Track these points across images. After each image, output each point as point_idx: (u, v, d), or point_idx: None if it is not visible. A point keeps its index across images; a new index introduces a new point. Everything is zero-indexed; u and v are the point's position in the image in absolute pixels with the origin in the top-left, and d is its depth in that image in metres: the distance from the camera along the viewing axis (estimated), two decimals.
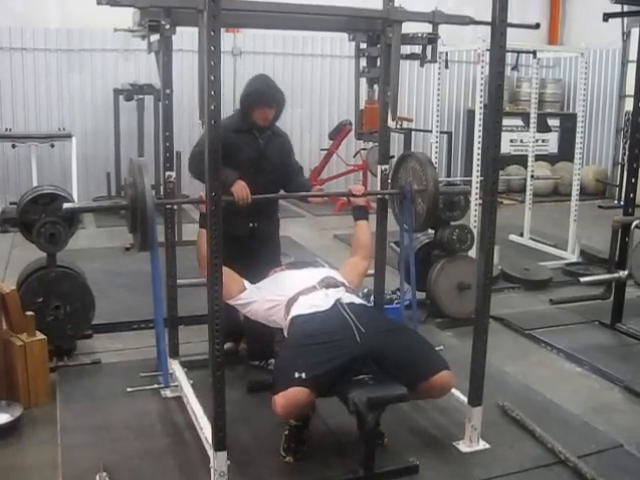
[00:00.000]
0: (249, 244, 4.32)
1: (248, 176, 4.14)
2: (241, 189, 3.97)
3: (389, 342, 3.36)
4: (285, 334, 3.62)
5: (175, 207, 4.06)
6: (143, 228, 3.59)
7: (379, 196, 4.33)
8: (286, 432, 3.40)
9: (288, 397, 3.08)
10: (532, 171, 7.93)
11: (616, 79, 11.63)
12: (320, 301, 3.58)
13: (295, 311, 3.59)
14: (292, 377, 3.10)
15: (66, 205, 3.88)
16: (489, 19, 3.20)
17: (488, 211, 3.35)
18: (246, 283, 3.82)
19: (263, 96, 4.21)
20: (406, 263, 4.45)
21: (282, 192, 4.48)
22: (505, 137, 10.98)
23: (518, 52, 9.80)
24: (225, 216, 4.05)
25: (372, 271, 4.47)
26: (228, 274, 3.68)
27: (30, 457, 3.46)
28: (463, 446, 3.55)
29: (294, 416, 3.28)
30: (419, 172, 4.12)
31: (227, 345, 4.26)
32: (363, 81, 4.42)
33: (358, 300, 3.72)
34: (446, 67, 7.54)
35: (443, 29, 4.03)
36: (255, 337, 4.37)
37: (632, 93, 5.22)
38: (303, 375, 3.09)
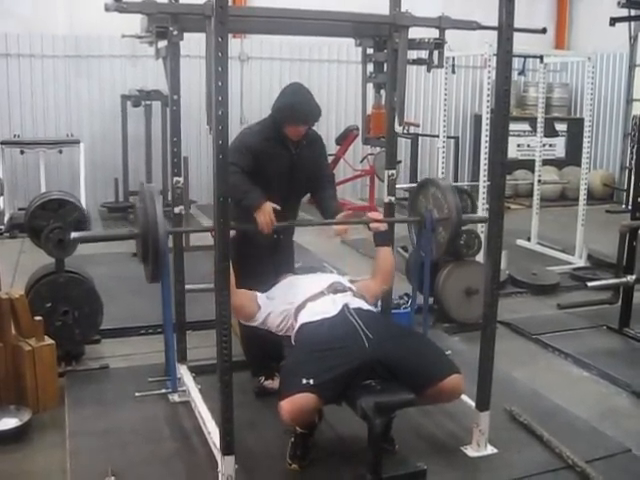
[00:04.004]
0: (272, 253, 4.24)
1: (280, 187, 4.09)
2: (265, 215, 3.85)
3: (398, 348, 3.34)
4: (292, 341, 3.61)
5: (183, 212, 4.06)
6: (155, 258, 3.50)
7: (386, 201, 4.33)
8: (292, 439, 3.39)
9: (295, 403, 3.06)
10: (539, 176, 7.92)
11: (623, 83, 11.58)
12: (328, 307, 3.57)
13: (303, 318, 3.58)
14: (299, 383, 3.08)
15: (74, 234, 3.82)
16: (496, 24, 3.20)
17: (495, 216, 3.36)
18: (258, 299, 3.77)
19: (300, 114, 3.99)
20: (415, 270, 4.42)
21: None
22: (512, 142, 10.95)
23: (525, 57, 9.78)
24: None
25: None
26: (243, 296, 3.68)
27: (39, 461, 3.47)
28: (471, 451, 3.55)
29: (300, 422, 3.26)
30: (440, 200, 3.97)
31: (266, 382, 4.18)
32: (370, 86, 4.42)
33: (366, 306, 3.69)
34: (453, 72, 7.56)
35: (450, 34, 4.04)
36: (256, 352, 4.27)
37: (639, 97, 5.21)
38: (311, 381, 3.07)
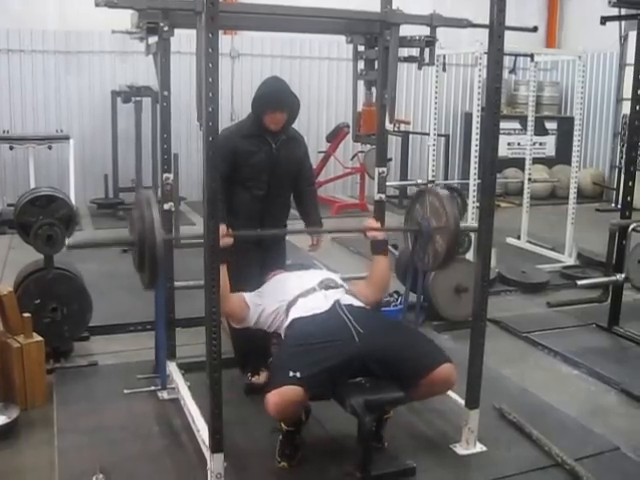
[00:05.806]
0: (256, 248, 4.25)
1: (260, 182, 4.15)
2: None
3: (388, 341, 3.35)
4: (282, 336, 3.61)
5: (173, 209, 4.04)
6: (152, 266, 3.37)
7: (376, 199, 4.33)
8: (280, 438, 3.39)
9: (281, 395, 3.05)
10: (529, 174, 7.94)
11: (613, 82, 11.64)
12: (319, 303, 3.57)
13: (294, 314, 3.58)
14: (286, 376, 3.08)
15: (69, 241, 3.77)
16: (487, 22, 3.20)
17: (485, 214, 3.36)
18: (247, 301, 3.74)
19: (273, 100, 4.07)
20: (405, 268, 4.39)
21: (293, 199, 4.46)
22: (503, 140, 10.92)
23: (516, 55, 9.82)
24: (232, 221, 4.07)
25: None
26: (233, 302, 3.66)
27: (27, 459, 3.45)
28: (460, 449, 3.56)
29: (286, 415, 3.24)
30: (438, 208, 3.86)
31: (253, 378, 4.18)
32: (361, 84, 4.41)
33: (357, 302, 3.69)
34: (444, 70, 7.55)
35: (441, 32, 4.03)
36: (242, 348, 4.25)
37: (629, 96, 5.23)
38: (298, 374, 3.07)
